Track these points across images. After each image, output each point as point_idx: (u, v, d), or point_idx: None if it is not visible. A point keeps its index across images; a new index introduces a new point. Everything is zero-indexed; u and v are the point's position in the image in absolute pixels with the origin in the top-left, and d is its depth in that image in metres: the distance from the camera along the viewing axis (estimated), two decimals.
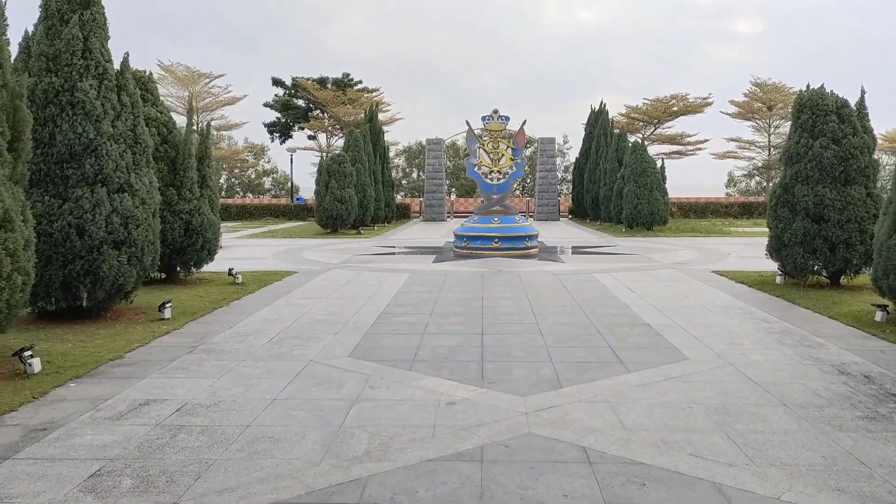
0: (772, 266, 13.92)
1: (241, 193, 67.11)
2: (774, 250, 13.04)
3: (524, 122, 22.06)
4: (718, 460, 4.80)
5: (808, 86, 12.91)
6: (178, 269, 13.52)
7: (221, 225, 14.34)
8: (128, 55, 10.13)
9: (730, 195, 63.23)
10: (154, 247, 10.12)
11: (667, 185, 32.05)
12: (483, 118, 21.76)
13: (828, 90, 12.72)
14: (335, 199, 29.17)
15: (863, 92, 12.84)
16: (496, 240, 19.89)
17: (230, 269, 13.81)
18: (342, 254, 20.31)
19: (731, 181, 68.47)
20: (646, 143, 42.79)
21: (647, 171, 29.83)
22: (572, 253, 21.22)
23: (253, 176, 70.22)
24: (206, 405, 5.99)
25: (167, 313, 9.80)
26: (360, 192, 31.65)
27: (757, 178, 64.25)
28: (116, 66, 9.92)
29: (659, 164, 32.20)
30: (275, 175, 71.43)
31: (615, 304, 11.21)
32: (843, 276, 12.70)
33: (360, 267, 16.74)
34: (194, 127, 14.12)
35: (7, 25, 6.83)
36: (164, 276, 13.43)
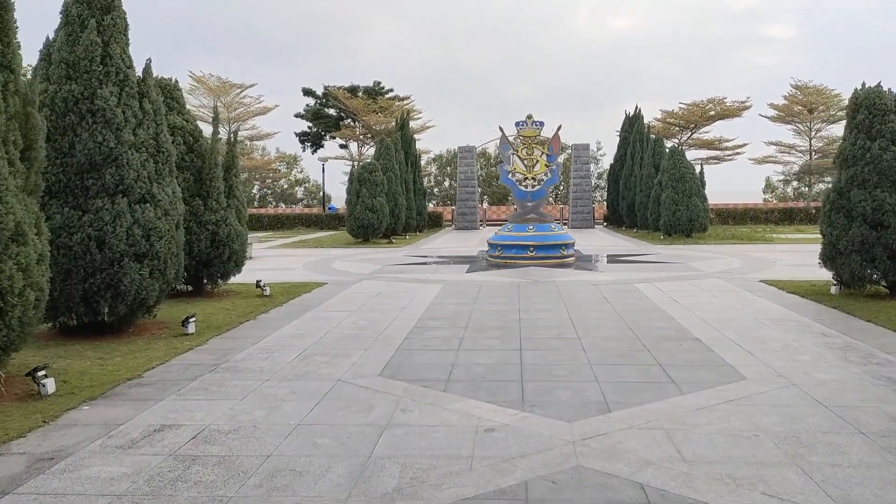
0: (823, 275, 13.15)
1: (274, 203, 67.29)
2: (829, 258, 12.28)
3: (559, 128, 21.50)
4: (796, 500, 4.21)
5: (863, 84, 12.16)
6: (205, 281, 13.19)
7: (252, 235, 14.00)
8: (150, 61, 9.80)
9: (767, 201, 61.68)
10: (178, 259, 9.75)
11: (705, 191, 31.08)
12: (517, 124, 21.24)
13: (885, 88, 11.97)
14: (366, 207, 28.77)
15: None
16: (531, 248, 19.33)
17: (258, 281, 13.45)
18: (373, 264, 19.89)
19: (769, 186, 66.85)
20: (682, 148, 41.79)
21: (685, 177, 28.93)
22: (610, 262, 20.52)
23: (285, 186, 70.41)
24: (224, 431, 5.55)
25: (191, 328, 9.44)
26: (392, 200, 31.24)
27: (794, 184, 62.62)
28: (139, 72, 9.60)
29: (698, 169, 31.28)
30: (307, 184, 71.58)
31: (660, 316, 10.59)
32: None
33: (391, 277, 16.30)
34: (221, 136, 13.79)
35: (17, 28, 6.51)
36: (190, 288, 13.12)
